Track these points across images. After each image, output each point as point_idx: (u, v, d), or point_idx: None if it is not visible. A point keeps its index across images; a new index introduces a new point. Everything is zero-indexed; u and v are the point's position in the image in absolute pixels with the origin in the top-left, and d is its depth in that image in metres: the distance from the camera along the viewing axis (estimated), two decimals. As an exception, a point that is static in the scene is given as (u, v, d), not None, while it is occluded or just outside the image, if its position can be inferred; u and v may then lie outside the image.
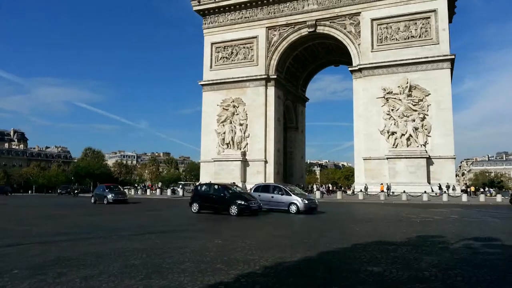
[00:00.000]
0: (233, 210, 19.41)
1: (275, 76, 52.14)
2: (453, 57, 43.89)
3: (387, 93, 45.13)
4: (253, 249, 9.62)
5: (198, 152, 57.62)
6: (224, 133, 52.67)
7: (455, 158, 43.99)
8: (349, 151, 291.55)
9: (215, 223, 17.02)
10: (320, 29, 50.26)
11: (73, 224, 16.44)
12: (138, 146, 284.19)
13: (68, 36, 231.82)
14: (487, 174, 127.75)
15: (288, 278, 7.03)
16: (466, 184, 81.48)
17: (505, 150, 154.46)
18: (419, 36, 44.90)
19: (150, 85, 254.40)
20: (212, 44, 55.37)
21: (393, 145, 44.35)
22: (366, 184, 43.88)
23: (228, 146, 52.41)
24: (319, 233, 13.69)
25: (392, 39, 46.02)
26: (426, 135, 43.47)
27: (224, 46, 54.87)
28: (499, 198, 39.30)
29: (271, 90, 52.32)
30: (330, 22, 49.65)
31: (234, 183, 43.98)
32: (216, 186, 22.03)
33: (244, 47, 53.89)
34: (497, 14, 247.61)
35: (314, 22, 49.94)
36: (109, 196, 30.82)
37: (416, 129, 43.54)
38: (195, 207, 21.20)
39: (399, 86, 44.56)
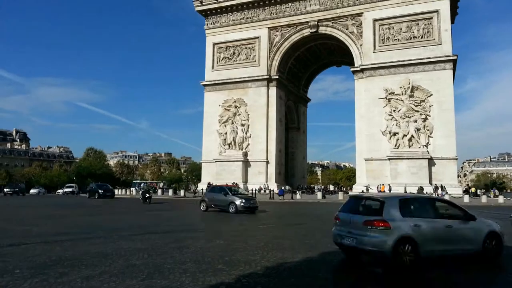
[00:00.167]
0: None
1: (277, 77, 52.12)
2: (455, 57, 43.79)
3: (389, 93, 45.05)
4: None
5: (200, 152, 57.72)
6: (226, 133, 52.68)
7: (457, 159, 43.88)
8: (351, 151, 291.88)
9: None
10: (322, 30, 50.23)
11: (73, 224, 16.46)
12: (139, 146, 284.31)
13: (69, 36, 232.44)
14: (489, 175, 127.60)
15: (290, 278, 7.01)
16: (468, 185, 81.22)
17: (507, 151, 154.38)
18: (421, 37, 44.80)
19: (150, 85, 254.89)
20: (214, 44, 55.40)
21: (395, 146, 44.27)
22: (368, 185, 43.66)
23: (229, 146, 52.41)
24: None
25: (394, 39, 45.94)
26: (428, 136, 43.38)
27: (226, 47, 54.88)
28: (501, 199, 39.23)
29: (273, 91, 52.30)
30: (332, 23, 49.60)
31: (235, 183, 44.06)
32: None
33: (246, 48, 53.89)
34: (499, 14, 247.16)
35: (316, 22, 49.91)
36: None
37: (418, 130, 43.45)
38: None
39: (401, 87, 44.47)
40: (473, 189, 54.68)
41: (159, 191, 53.19)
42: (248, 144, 51.93)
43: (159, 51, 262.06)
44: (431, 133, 43.30)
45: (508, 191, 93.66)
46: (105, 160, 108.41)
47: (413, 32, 44.99)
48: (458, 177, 60.15)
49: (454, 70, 44.51)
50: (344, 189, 63.57)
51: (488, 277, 7.51)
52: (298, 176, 62.59)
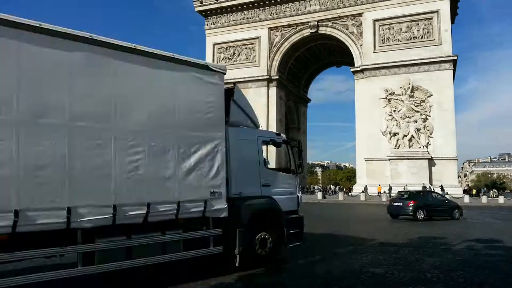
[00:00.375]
0: None
1: (277, 77, 52.14)
2: (455, 58, 43.80)
3: (389, 94, 45.06)
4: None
5: (200, 152, 57.65)
6: (226, 133, 52.68)
7: (457, 159, 43.87)
8: (351, 152, 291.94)
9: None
10: (322, 30, 50.24)
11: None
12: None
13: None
14: (489, 175, 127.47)
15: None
16: (468, 185, 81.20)
17: (507, 151, 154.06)
18: (422, 37, 44.81)
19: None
20: (214, 44, 55.42)
21: (395, 146, 44.28)
22: (366, 186, 43.87)
23: (230, 146, 52.40)
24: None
25: (394, 40, 45.95)
26: (428, 136, 43.38)
27: (226, 47, 54.92)
28: (501, 199, 39.25)
29: (273, 91, 52.32)
30: (332, 23, 49.62)
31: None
32: None
33: (246, 48, 53.92)
34: (501, 14, 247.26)
35: (316, 23, 49.92)
36: None
37: (418, 130, 43.46)
38: None
39: (401, 87, 44.48)
40: (474, 191, 54.28)
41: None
42: (248, 145, 51.89)
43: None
44: (431, 133, 43.31)
45: (507, 191, 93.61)
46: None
47: (413, 32, 45.00)
48: (458, 177, 60.12)
49: (454, 70, 44.52)
50: (344, 189, 63.49)
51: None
52: (298, 177, 62.39)
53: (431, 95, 43.46)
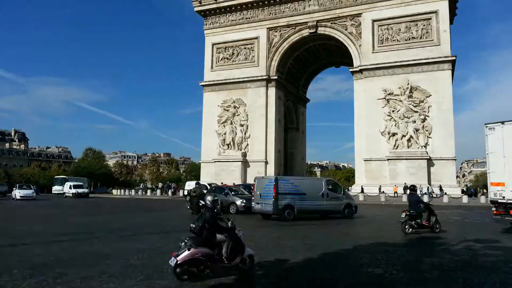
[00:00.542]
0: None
1: (276, 77, 52.12)
2: (454, 58, 43.85)
3: (388, 94, 45.09)
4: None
5: (199, 152, 57.58)
6: (225, 133, 52.66)
7: (455, 159, 43.91)
8: (350, 152, 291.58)
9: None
10: (321, 30, 50.24)
11: (73, 224, 16.44)
12: (138, 146, 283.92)
13: (68, 36, 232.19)
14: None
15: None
16: (466, 185, 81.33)
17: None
18: (420, 37, 44.85)
19: (150, 85, 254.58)
20: (213, 44, 55.38)
21: (394, 146, 44.31)
22: (361, 186, 43.95)
23: (228, 146, 52.41)
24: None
25: (393, 40, 45.99)
26: (427, 136, 43.41)
27: (225, 47, 54.87)
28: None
29: (272, 91, 52.29)
30: (331, 23, 49.62)
31: (234, 183, 44.02)
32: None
33: (245, 48, 53.89)
34: (501, 13, 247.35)
35: (315, 23, 49.92)
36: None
37: (417, 130, 43.49)
38: None
39: (400, 87, 44.52)
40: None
41: (158, 191, 53.25)
42: (247, 145, 51.94)
43: (159, 51, 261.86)
44: (430, 134, 43.34)
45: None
46: (104, 160, 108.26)
47: (412, 33, 45.04)
48: (457, 178, 60.19)
49: (453, 70, 44.56)
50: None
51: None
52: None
53: (430, 95, 43.52)
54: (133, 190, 56.71)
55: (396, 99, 44.68)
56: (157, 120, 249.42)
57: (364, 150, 45.93)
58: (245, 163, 51.37)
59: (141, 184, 77.44)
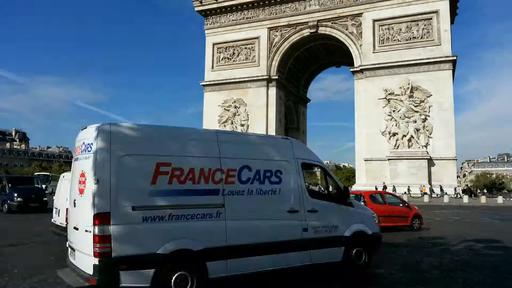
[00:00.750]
0: None
1: (277, 77, 52.08)
2: (454, 58, 43.77)
3: (389, 94, 45.03)
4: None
5: (199, 152, 57.59)
6: (226, 133, 52.63)
7: (456, 159, 43.86)
8: (351, 152, 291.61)
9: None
10: (321, 30, 50.19)
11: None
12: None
13: (68, 35, 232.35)
14: (488, 175, 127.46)
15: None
16: (467, 185, 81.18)
17: (507, 152, 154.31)
18: (421, 37, 44.78)
19: (150, 84, 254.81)
20: (213, 44, 55.35)
21: (395, 146, 44.26)
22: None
23: (229, 146, 52.34)
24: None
25: (394, 40, 45.92)
26: (428, 136, 43.36)
27: (226, 47, 54.83)
28: (500, 199, 39.25)
29: (273, 91, 52.27)
30: (332, 23, 49.57)
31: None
32: None
33: (245, 48, 53.85)
34: (502, 13, 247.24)
35: (315, 23, 49.87)
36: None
37: (418, 130, 43.44)
38: None
39: (400, 87, 44.46)
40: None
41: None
42: (248, 145, 51.86)
43: (159, 51, 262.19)
44: (430, 134, 43.28)
45: (505, 191, 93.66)
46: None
47: (413, 33, 44.97)
48: (457, 178, 60.12)
49: (453, 70, 44.48)
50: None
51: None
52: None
53: (431, 95, 43.45)
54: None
55: (396, 99, 44.62)
56: (157, 120, 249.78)
57: (365, 150, 45.89)
58: (246, 163, 51.28)
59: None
